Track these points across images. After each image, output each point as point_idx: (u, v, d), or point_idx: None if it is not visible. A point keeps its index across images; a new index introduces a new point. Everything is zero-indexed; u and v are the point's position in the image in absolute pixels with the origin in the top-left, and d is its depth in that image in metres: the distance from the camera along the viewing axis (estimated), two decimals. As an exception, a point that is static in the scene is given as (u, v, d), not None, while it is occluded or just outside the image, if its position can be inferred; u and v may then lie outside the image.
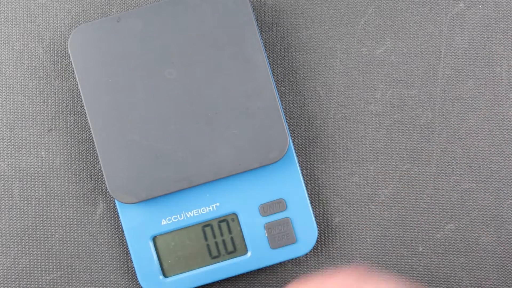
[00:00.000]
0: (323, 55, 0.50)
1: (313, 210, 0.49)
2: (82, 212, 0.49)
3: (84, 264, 0.49)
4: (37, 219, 0.49)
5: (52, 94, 0.50)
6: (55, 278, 0.49)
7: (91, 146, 0.49)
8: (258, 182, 0.47)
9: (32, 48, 0.50)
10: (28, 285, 0.49)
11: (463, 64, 0.50)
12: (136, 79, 0.46)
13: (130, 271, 0.49)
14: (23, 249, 0.49)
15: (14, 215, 0.49)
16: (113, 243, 0.49)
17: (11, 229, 0.49)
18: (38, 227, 0.49)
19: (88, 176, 0.49)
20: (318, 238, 0.49)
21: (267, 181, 0.47)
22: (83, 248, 0.49)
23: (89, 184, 0.49)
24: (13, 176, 0.49)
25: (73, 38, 0.46)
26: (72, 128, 0.50)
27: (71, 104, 0.50)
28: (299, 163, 0.49)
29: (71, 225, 0.49)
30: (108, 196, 0.49)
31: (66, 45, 0.50)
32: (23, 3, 0.50)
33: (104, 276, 0.49)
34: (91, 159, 0.49)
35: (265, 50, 0.50)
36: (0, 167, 0.49)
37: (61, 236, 0.49)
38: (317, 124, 0.50)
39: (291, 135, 0.50)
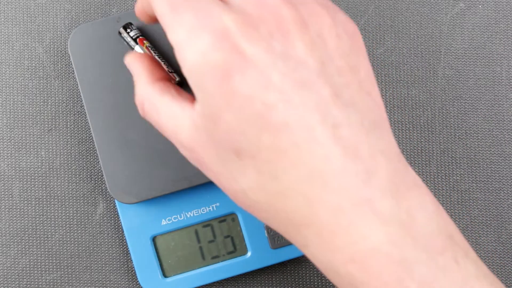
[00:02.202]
0: (323, 55, 0.50)
1: (313, 210, 0.49)
2: (82, 212, 0.49)
3: (84, 264, 0.49)
4: (37, 219, 0.49)
5: (52, 94, 0.50)
6: (55, 278, 0.49)
7: (91, 146, 0.49)
8: (258, 182, 0.47)
9: (32, 48, 0.50)
10: (28, 285, 0.49)
11: (463, 64, 0.50)
12: (136, 79, 0.46)
13: (130, 271, 0.49)
14: (23, 249, 0.49)
15: (14, 215, 0.49)
16: (113, 243, 0.49)
17: (11, 229, 0.49)
18: (38, 227, 0.49)
19: (88, 176, 0.49)
20: (318, 238, 0.49)
21: (267, 181, 0.47)
22: (83, 248, 0.49)
23: (89, 184, 0.49)
24: (13, 176, 0.49)
25: (73, 38, 0.46)
26: (72, 128, 0.50)
27: (71, 104, 0.50)
28: (299, 163, 0.49)
29: (71, 225, 0.49)
30: (108, 196, 0.49)
31: (66, 45, 0.50)
32: (23, 3, 0.50)
33: (104, 276, 0.49)
34: (91, 159, 0.49)
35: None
36: (0, 167, 0.49)
37: (61, 236, 0.49)
38: (317, 124, 0.50)
39: (291, 135, 0.49)
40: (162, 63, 0.45)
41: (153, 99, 0.34)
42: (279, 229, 0.32)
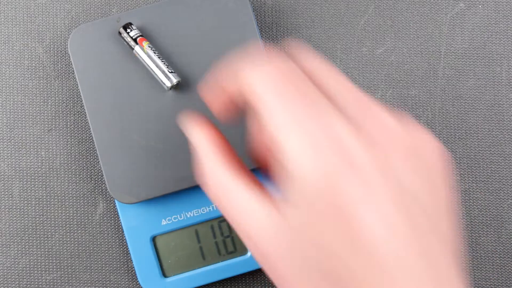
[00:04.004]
0: (323, 55, 0.50)
1: (313, 210, 0.49)
2: (82, 212, 0.49)
3: (84, 264, 0.49)
4: (37, 219, 0.49)
5: (52, 94, 0.50)
6: (55, 278, 0.49)
7: (91, 146, 0.49)
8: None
9: (32, 48, 0.50)
10: (28, 285, 0.49)
11: (463, 64, 0.50)
12: (136, 79, 0.46)
13: (130, 271, 0.49)
14: (23, 249, 0.49)
15: (14, 215, 0.49)
16: (113, 243, 0.49)
17: (11, 229, 0.49)
18: (38, 227, 0.49)
19: (88, 176, 0.49)
20: (318, 238, 0.49)
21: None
22: (83, 248, 0.49)
23: (89, 184, 0.49)
24: (13, 176, 0.49)
25: (73, 38, 0.46)
26: (72, 128, 0.50)
27: (71, 104, 0.50)
28: (299, 163, 0.49)
29: (71, 225, 0.49)
30: (108, 196, 0.49)
31: (66, 45, 0.50)
32: (23, 3, 0.50)
33: (104, 276, 0.49)
34: (91, 159, 0.49)
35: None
36: (0, 167, 0.49)
37: (61, 236, 0.49)
38: (317, 124, 0.50)
39: (291, 135, 0.49)
40: (162, 63, 0.45)
41: (227, 187, 0.30)
42: None
